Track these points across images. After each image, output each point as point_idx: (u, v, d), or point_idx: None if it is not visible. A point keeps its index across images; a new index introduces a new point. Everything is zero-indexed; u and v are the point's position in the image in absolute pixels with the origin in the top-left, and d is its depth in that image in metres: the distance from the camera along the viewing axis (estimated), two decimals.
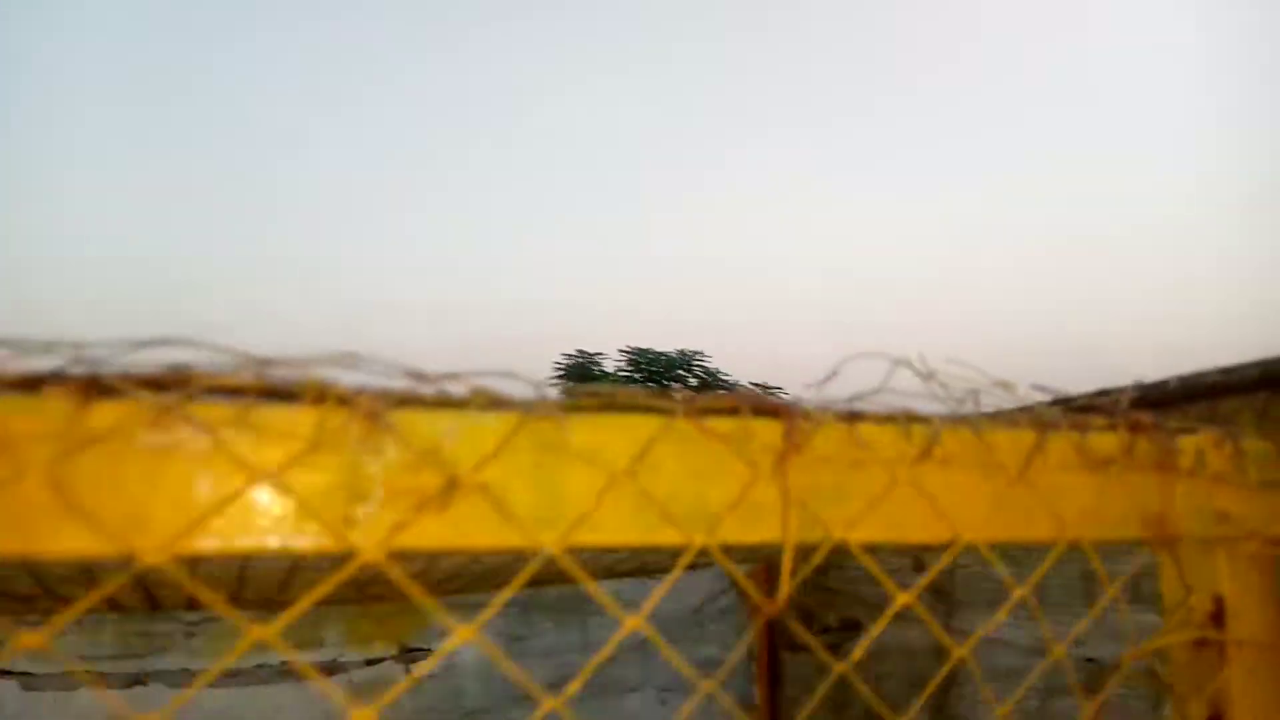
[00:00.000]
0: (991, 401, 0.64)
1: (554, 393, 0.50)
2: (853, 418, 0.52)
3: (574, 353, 20.10)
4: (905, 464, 0.53)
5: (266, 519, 0.40)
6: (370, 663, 3.93)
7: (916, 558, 4.77)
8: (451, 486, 0.43)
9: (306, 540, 0.41)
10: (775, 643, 4.55)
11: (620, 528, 0.47)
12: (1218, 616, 0.64)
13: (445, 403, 0.44)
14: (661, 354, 20.43)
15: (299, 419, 0.41)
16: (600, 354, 20.32)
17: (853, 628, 4.81)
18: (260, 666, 3.74)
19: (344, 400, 0.41)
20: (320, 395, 0.41)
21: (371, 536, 0.42)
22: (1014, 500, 0.58)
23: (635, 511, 0.47)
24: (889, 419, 0.53)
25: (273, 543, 0.41)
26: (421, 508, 0.42)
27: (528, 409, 0.44)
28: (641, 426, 0.48)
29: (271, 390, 0.40)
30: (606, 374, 20.67)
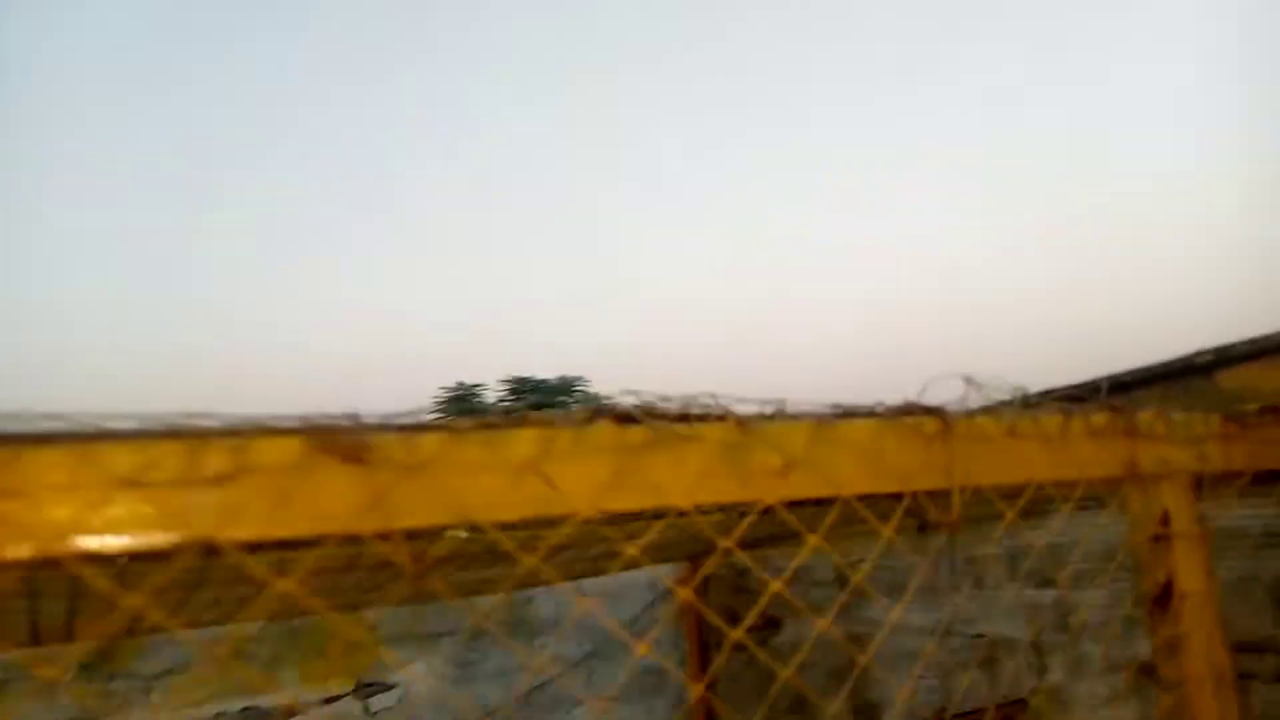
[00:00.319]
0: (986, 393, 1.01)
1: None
2: (970, 413, 0.89)
3: (454, 385, 20.05)
4: (999, 438, 0.90)
5: (718, 484, 0.72)
6: (328, 701, 4.06)
7: (840, 574, 5.17)
8: (790, 465, 0.76)
9: (735, 496, 0.73)
10: (706, 643, 4.91)
11: (867, 483, 0.81)
12: (1165, 521, 1.05)
13: (767, 416, 0.77)
14: (543, 381, 20.64)
15: (710, 431, 0.73)
16: (480, 385, 20.32)
17: (773, 624, 5.23)
18: (220, 715, 3.84)
19: (734, 418, 0.73)
20: (723, 416, 0.73)
21: (764, 492, 0.74)
22: (1057, 457, 0.95)
23: (874, 473, 0.81)
24: (987, 411, 0.90)
25: (722, 498, 0.73)
26: (779, 474, 0.75)
27: (818, 418, 0.78)
28: (867, 425, 0.82)
29: (690, 415, 0.72)
30: (488, 405, 20.66)
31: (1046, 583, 6.16)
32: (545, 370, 20.88)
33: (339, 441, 0.57)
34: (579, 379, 20.98)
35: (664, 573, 4.87)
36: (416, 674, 4.21)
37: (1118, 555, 6.13)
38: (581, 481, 0.66)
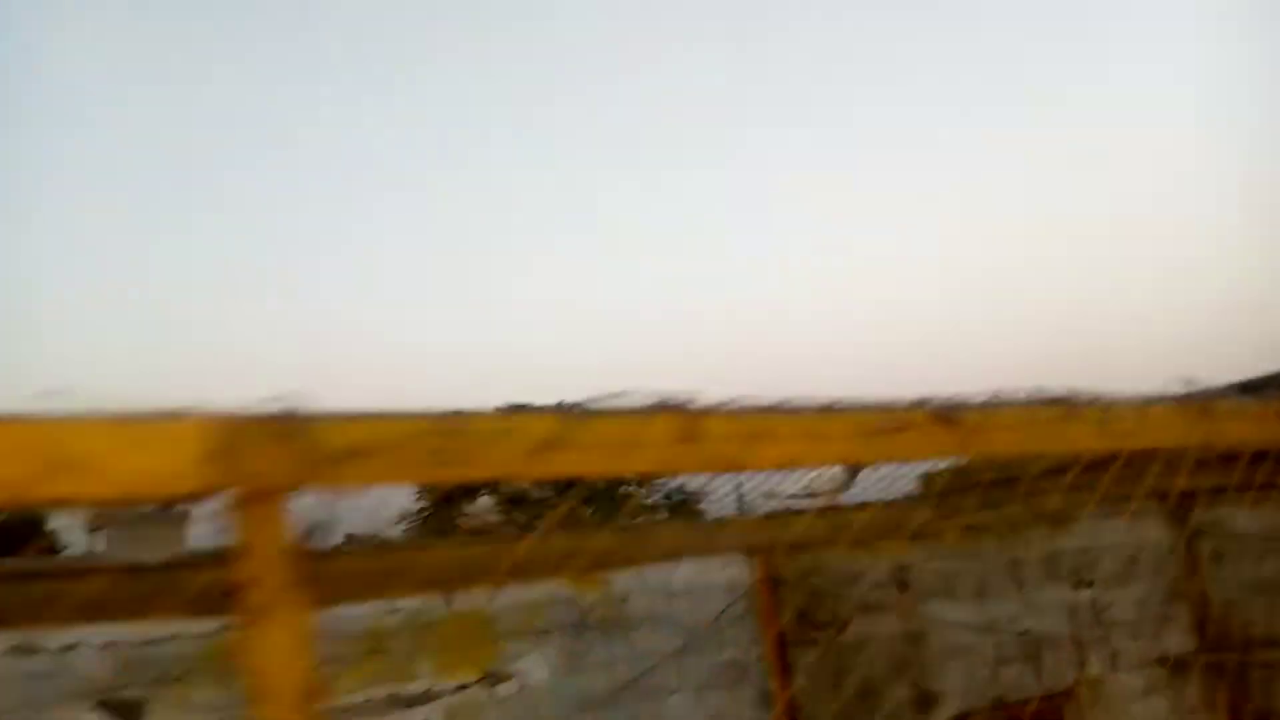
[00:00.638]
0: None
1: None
2: (1225, 397, 1.35)
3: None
4: (1250, 416, 1.36)
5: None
6: (460, 688, 4.47)
7: (898, 569, 5.61)
8: (973, 430, 1.22)
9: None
10: (783, 638, 5.34)
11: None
12: None
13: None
14: (541, 409, 20.93)
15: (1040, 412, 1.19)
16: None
17: (842, 626, 5.65)
18: (367, 701, 4.24)
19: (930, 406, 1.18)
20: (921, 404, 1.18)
21: (966, 448, 1.19)
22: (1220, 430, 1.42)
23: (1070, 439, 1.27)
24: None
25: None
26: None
27: (1029, 406, 1.24)
28: (1054, 410, 1.27)
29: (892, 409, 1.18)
30: None
31: (1082, 584, 6.63)
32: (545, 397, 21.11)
33: (943, 413, 1.02)
34: (578, 405, 21.22)
35: (742, 573, 5.30)
36: (532, 665, 4.62)
37: (1141, 559, 6.61)
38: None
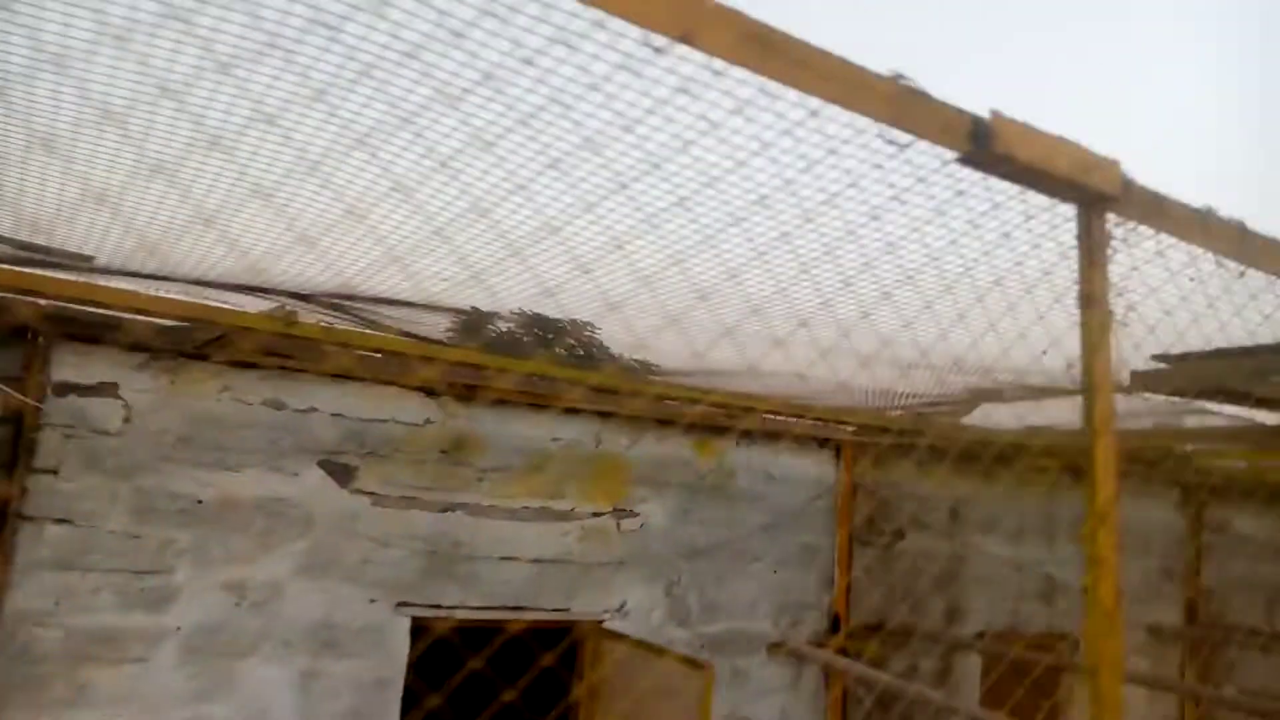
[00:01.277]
0: None
1: None
2: None
3: (469, 310, 20.79)
4: None
5: None
6: (595, 515, 5.21)
7: (956, 500, 6.37)
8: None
9: None
10: (852, 536, 6.11)
11: None
12: None
13: None
14: (554, 320, 21.39)
15: None
16: (494, 313, 21.06)
17: (900, 535, 6.45)
18: (525, 508, 4.97)
19: None
20: None
21: None
22: None
23: None
24: None
25: None
26: None
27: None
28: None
29: None
30: (500, 332, 21.56)
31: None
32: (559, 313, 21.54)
33: None
34: (588, 324, 21.72)
35: (830, 472, 6.03)
36: (652, 510, 5.37)
37: (1151, 537, 7.50)
38: None
